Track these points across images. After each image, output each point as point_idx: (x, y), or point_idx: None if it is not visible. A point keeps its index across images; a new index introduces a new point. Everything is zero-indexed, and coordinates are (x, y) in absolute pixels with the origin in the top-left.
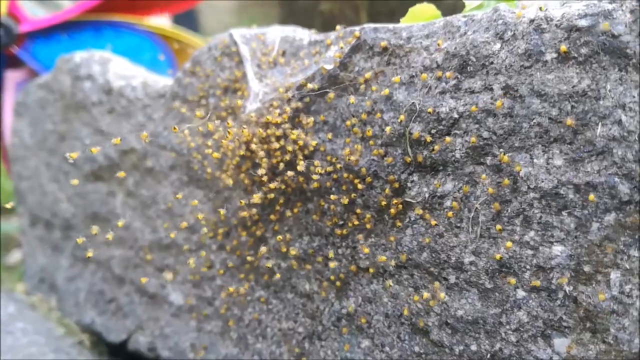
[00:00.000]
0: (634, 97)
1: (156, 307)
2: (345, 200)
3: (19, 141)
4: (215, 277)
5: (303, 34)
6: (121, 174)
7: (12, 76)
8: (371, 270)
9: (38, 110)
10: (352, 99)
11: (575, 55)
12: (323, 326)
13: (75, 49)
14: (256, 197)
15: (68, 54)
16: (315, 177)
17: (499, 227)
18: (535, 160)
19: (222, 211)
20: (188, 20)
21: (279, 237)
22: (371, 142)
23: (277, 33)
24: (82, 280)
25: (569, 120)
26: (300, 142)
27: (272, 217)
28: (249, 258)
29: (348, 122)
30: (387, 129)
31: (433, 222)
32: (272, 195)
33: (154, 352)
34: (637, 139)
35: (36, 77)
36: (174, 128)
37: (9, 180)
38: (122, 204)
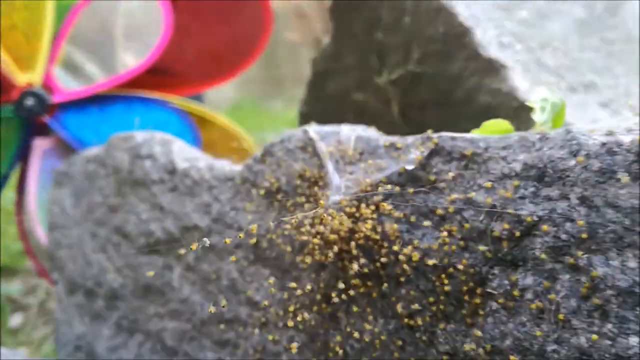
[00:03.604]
0: None
1: None
2: (427, 285)
3: (59, 210)
4: (280, 353)
5: (375, 134)
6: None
7: (41, 144)
8: (450, 354)
9: (84, 182)
10: (433, 195)
11: None
12: None
13: (104, 120)
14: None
15: (126, 133)
16: (405, 267)
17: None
18: (610, 262)
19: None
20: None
21: (352, 320)
22: (452, 235)
23: (350, 132)
24: (126, 350)
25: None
26: (387, 232)
27: (346, 298)
28: (320, 335)
29: (427, 219)
30: (466, 225)
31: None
32: (357, 281)
33: None
34: None
35: (80, 149)
36: (277, 221)
37: (15, 241)
38: (179, 277)
